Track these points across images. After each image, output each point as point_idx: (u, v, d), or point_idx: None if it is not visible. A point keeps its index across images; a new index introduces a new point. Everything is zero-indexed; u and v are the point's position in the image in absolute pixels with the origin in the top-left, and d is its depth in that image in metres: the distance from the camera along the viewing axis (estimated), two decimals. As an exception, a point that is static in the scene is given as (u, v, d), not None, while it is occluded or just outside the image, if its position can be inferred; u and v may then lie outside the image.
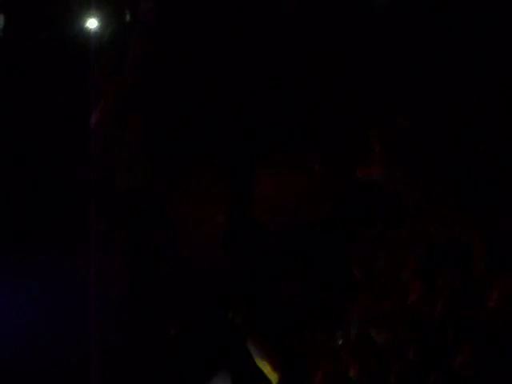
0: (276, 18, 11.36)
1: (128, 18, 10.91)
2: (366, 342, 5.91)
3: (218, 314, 6.91)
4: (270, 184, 10.08)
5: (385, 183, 8.46)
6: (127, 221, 8.11)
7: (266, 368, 6.14)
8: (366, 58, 11.16)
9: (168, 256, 8.50)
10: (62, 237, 9.16)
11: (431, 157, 8.74)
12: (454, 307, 6.31)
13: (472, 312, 6.20)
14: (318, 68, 11.29)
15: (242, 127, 9.58)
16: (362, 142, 8.96)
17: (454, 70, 10.25)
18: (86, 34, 10.12)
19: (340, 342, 6.08)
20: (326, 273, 7.44)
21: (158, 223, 8.35)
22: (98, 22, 10.15)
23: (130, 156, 7.91)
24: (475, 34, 10.52)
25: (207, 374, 6.66)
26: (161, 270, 8.38)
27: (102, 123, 8.04)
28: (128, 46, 9.43)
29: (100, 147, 8.06)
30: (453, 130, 9.23)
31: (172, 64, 10.71)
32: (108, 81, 8.24)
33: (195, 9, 11.14)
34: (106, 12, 10.33)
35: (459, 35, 10.70)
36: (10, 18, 10.81)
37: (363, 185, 8.65)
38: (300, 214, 9.19)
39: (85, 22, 10.27)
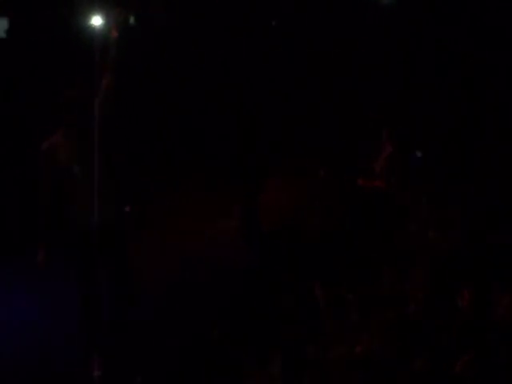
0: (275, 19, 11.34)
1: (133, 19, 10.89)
2: (369, 352, 5.93)
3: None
4: (276, 189, 10.07)
5: (387, 192, 8.50)
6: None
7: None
8: (370, 61, 11.15)
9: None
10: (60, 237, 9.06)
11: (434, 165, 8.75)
12: (459, 315, 6.34)
13: (478, 318, 6.22)
14: (322, 72, 11.30)
15: (248, 133, 9.57)
16: (367, 149, 8.98)
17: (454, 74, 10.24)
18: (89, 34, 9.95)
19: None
20: (326, 280, 7.43)
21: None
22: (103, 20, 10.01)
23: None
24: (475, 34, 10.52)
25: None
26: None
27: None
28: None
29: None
30: (454, 135, 9.24)
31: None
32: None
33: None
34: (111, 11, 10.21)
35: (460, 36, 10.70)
36: (14, 19, 10.79)
37: (367, 193, 8.68)
38: (303, 220, 9.21)
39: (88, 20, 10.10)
